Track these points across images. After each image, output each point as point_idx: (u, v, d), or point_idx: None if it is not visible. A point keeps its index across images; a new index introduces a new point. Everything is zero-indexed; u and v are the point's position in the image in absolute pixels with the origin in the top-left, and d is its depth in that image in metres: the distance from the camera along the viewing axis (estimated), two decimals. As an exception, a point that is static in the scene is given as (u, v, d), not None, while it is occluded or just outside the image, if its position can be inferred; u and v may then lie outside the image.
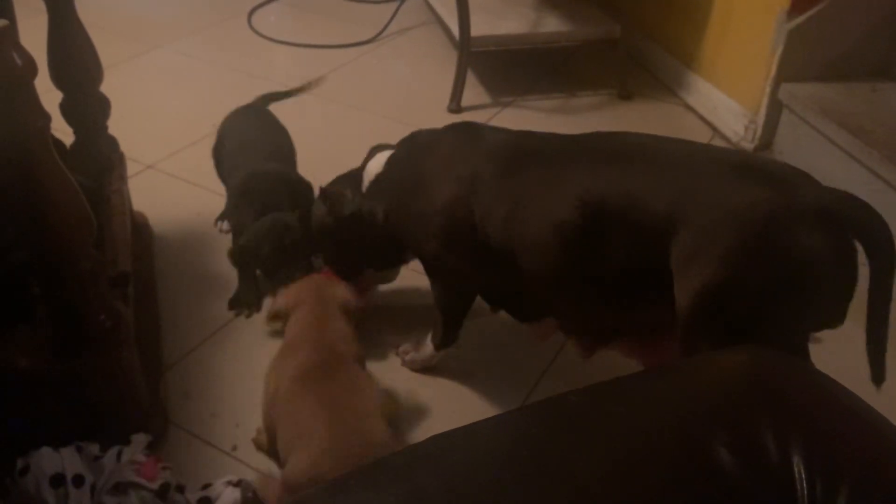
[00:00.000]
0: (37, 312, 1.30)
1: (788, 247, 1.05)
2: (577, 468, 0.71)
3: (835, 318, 1.10)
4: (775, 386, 0.81)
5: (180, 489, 1.28)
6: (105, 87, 1.70)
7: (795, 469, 0.72)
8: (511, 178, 1.28)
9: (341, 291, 1.46)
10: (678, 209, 1.09)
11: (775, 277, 1.06)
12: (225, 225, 1.95)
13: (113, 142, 1.78)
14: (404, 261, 1.64)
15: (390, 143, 1.56)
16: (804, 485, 0.72)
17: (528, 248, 1.25)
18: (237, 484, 1.28)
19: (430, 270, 1.50)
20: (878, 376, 1.11)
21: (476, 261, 1.37)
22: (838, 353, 1.22)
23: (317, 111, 2.50)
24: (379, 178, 1.49)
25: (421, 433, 1.45)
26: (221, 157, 1.90)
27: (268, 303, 1.71)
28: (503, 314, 1.51)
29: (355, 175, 1.56)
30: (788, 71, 2.32)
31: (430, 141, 1.46)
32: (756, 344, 0.88)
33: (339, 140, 2.33)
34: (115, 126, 1.79)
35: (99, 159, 1.70)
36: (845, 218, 1.07)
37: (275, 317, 1.46)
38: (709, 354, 0.88)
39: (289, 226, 1.69)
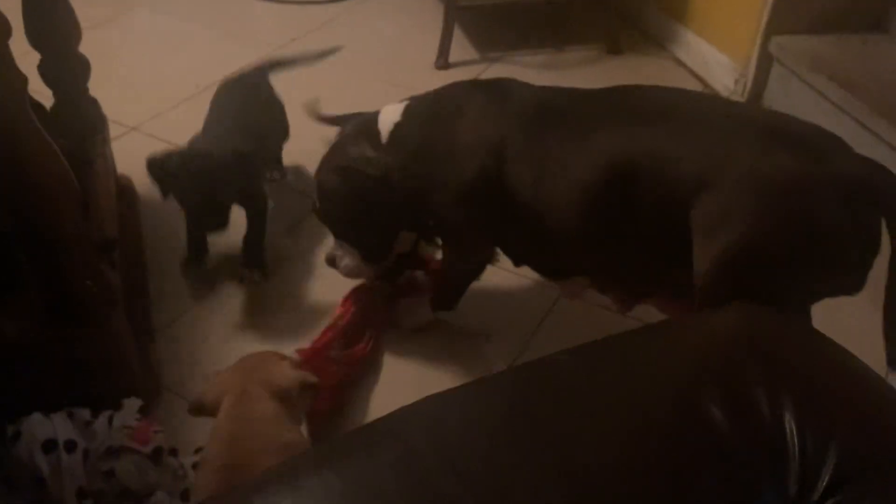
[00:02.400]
0: (24, 280, 1.28)
1: (811, 216, 1.05)
2: (570, 428, 0.71)
3: (855, 285, 1.10)
4: (767, 343, 0.81)
5: (173, 453, 1.28)
6: (85, 49, 1.66)
7: (787, 425, 0.73)
8: (541, 140, 1.26)
9: (279, 376, 1.15)
10: (705, 173, 1.08)
11: (796, 246, 1.05)
12: None
13: (94, 104, 1.75)
14: (424, 229, 1.53)
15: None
16: (795, 440, 0.72)
17: (558, 209, 1.24)
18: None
19: (450, 237, 1.47)
20: (894, 359, 1.08)
21: (504, 225, 1.35)
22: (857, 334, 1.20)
23: (300, 70, 2.46)
24: (399, 129, 1.40)
25: (413, 394, 1.46)
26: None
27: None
28: (500, 274, 1.50)
29: (369, 124, 1.44)
30: (779, 24, 2.30)
31: (459, 102, 1.38)
32: (749, 302, 0.88)
33: (323, 100, 2.30)
34: (96, 88, 1.75)
35: (81, 122, 1.66)
36: (870, 189, 1.05)
37: (198, 411, 1.16)
38: (701, 313, 0.88)
39: (208, 155, 1.54)
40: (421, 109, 1.42)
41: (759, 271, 1.07)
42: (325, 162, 1.49)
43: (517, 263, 1.49)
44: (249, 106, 1.82)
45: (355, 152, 1.43)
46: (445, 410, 0.73)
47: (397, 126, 1.40)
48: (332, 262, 1.54)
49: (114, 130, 1.90)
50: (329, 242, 1.57)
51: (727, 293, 1.07)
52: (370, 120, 1.45)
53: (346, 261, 1.51)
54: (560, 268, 1.42)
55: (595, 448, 0.70)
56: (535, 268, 1.47)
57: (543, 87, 1.38)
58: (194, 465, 1.27)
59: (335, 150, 1.48)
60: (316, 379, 1.17)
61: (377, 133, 1.42)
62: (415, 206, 1.41)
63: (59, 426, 1.23)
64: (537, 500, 0.63)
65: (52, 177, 1.12)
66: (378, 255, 1.51)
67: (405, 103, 1.44)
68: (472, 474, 0.65)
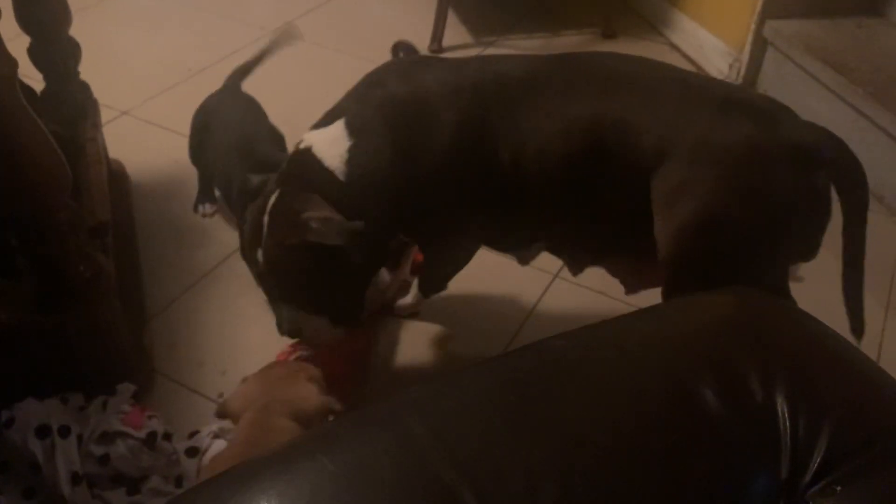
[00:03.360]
0: (16, 265, 1.28)
1: (768, 184, 1.06)
2: (565, 412, 0.71)
3: (809, 251, 1.12)
4: (760, 327, 0.82)
5: (167, 437, 1.28)
6: (75, 32, 1.64)
7: (779, 409, 0.74)
8: (512, 113, 1.19)
9: (304, 399, 1.12)
10: (664, 143, 1.09)
11: (754, 213, 1.06)
12: (208, 208, 1.83)
13: (85, 88, 1.73)
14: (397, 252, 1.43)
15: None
16: (787, 424, 0.73)
17: (531, 180, 1.19)
18: (221, 435, 1.29)
19: (434, 235, 1.31)
20: (857, 327, 1.11)
21: (485, 209, 1.24)
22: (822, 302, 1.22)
23: (292, 54, 2.44)
24: (357, 152, 1.16)
25: (407, 380, 1.46)
26: (204, 149, 1.73)
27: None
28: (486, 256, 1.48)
29: (305, 166, 1.18)
30: (773, 7, 2.29)
31: (406, 92, 1.20)
32: (740, 284, 0.89)
33: (315, 84, 2.28)
34: (87, 72, 1.73)
35: (71, 106, 1.65)
36: (822, 156, 1.07)
37: (222, 415, 1.17)
38: (693, 297, 0.88)
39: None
40: (371, 116, 1.18)
41: (720, 241, 1.08)
42: (271, 236, 1.16)
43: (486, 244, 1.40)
44: (245, 121, 1.72)
45: (309, 216, 1.12)
46: (440, 395, 0.74)
47: (353, 150, 1.16)
48: (295, 332, 1.26)
49: (105, 114, 1.89)
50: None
51: (690, 264, 1.10)
52: (302, 162, 1.18)
53: (315, 326, 1.24)
54: (522, 238, 1.35)
55: (589, 432, 0.70)
56: (497, 245, 1.39)
57: (484, 59, 1.29)
58: (188, 451, 1.28)
59: (277, 219, 1.15)
60: (340, 406, 1.11)
61: (326, 172, 1.16)
62: (390, 230, 1.25)
63: (52, 411, 1.24)
64: (532, 484, 0.63)
65: (44, 162, 1.11)
66: (352, 314, 1.28)
67: (339, 122, 1.18)
68: (467, 459, 0.66)
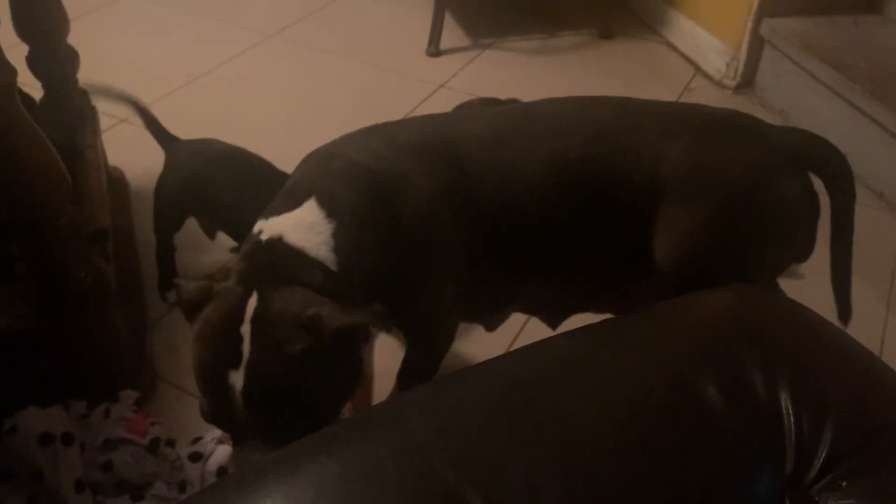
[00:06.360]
0: (16, 271, 1.28)
1: (769, 196, 1.07)
2: (568, 411, 0.71)
3: (806, 252, 1.13)
4: (761, 323, 0.82)
5: (171, 443, 1.29)
6: (73, 40, 1.64)
7: (783, 405, 0.74)
8: (493, 169, 1.11)
9: None
10: (656, 177, 1.07)
11: (760, 226, 1.07)
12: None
13: (84, 95, 1.73)
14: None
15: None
16: (791, 420, 0.73)
17: (520, 235, 1.13)
18: (224, 440, 1.29)
19: (426, 312, 1.16)
20: (844, 313, 1.14)
21: (473, 272, 1.14)
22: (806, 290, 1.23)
23: (292, 58, 2.45)
24: (342, 240, 1.00)
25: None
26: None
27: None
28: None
29: (281, 260, 0.97)
30: (770, 6, 2.29)
31: (372, 161, 1.07)
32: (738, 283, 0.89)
33: (315, 88, 2.29)
34: (86, 79, 1.74)
35: (70, 114, 1.65)
36: (807, 155, 1.09)
37: None
38: (694, 295, 0.88)
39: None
40: (345, 193, 1.03)
41: (727, 257, 1.08)
42: (263, 348, 0.90)
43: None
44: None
45: (308, 312, 0.90)
46: (442, 395, 0.74)
47: (338, 234, 1.00)
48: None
49: (104, 122, 1.89)
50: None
51: (695, 277, 1.06)
52: (274, 254, 0.98)
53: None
54: (499, 301, 1.27)
55: (592, 430, 0.70)
56: (475, 313, 1.27)
57: (446, 117, 1.22)
58: (191, 456, 1.27)
59: (271, 325, 0.91)
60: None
61: (314, 263, 0.98)
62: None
63: (55, 419, 1.23)
64: (535, 483, 0.63)
65: (43, 169, 1.12)
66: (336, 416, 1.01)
67: (308, 203, 1.01)
68: (470, 459, 0.66)
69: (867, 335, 1.10)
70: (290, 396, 0.90)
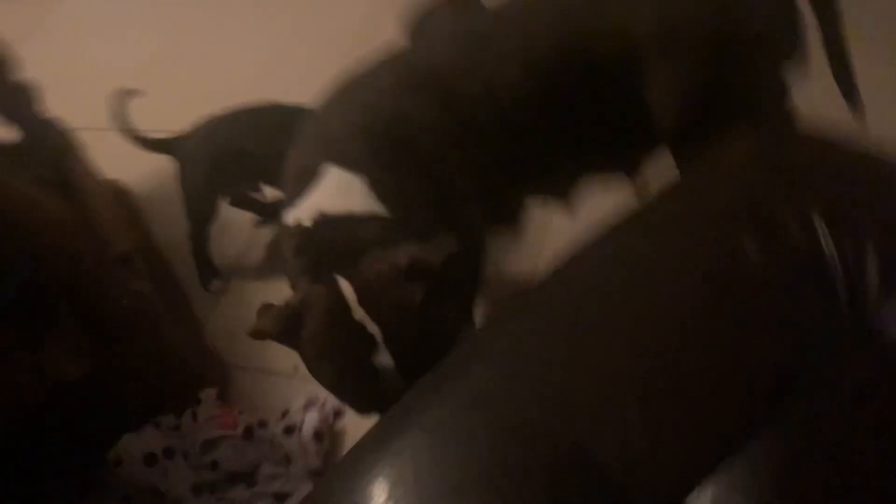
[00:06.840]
0: (58, 318, 1.30)
1: (739, 8, 1.06)
2: (630, 302, 0.72)
3: (797, 45, 1.12)
4: (783, 161, 0.81)
5: (262, 424, 1.34)
6: (28, 60, 1.60)
7: (821, 237, 0.73)
8: (475, 84, 1.10)
9: None
10: (631, 38, 1.07)
11: (740, 41, 1.07)
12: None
13: (49, 123, 1.68)
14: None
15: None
16: (833, 249, 0.73)
17: (521, 113, 1.12)
18: (311, 405, 1.34)
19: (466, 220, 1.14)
20: (853, 103, 1.13)
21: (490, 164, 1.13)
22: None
23: (272, 50, 2.35)
24: (380, 186, 1.00)
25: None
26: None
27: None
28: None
29: (336, 234, 0.97)
30: None
31: (361, 109, 1.07)
32: (751, 128, 0.87)
33: (295, 79, 2.20)
34: (55, 97, 1.70)
35: (50, 146, 1.63)
36: None
37: None
38: (712, 154, 0.87)
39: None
40: (351, 146, 1.03)
41: (718, 86, 1.08)
42: (392, 321, 0.89)
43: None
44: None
45: (403, 263, 0.90)
46: (496, 334, 0.76)
47: (373, 184, 1.00)
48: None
49: (88, 135, 1.85)
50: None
51: (699, 126, 1.09)
52: (327, 232, 0.97)
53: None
54: (519, 191, 1.25)
55: (656, 318, 0.71)
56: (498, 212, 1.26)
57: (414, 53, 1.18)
58: (285, 430, 1.33)
59: (379, 301, 0.90)
60: None
61: (371, 218, 0.97)
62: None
63: (151, 438, 1.29)
64: (616, 398, 0.65)
65: (45, 226, 1.12)
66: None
67: (327, 172, 1.00)
68: (543, 389, 0.68)
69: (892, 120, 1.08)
70: (436, 340, 0.89)
